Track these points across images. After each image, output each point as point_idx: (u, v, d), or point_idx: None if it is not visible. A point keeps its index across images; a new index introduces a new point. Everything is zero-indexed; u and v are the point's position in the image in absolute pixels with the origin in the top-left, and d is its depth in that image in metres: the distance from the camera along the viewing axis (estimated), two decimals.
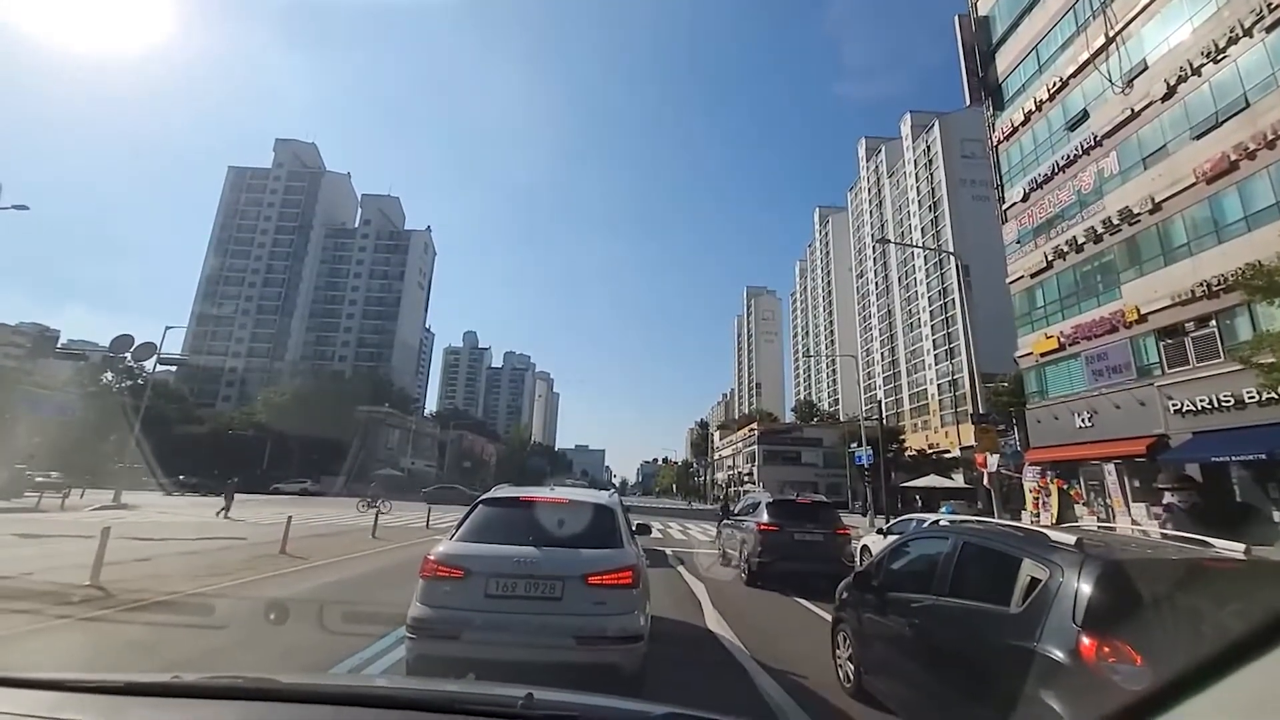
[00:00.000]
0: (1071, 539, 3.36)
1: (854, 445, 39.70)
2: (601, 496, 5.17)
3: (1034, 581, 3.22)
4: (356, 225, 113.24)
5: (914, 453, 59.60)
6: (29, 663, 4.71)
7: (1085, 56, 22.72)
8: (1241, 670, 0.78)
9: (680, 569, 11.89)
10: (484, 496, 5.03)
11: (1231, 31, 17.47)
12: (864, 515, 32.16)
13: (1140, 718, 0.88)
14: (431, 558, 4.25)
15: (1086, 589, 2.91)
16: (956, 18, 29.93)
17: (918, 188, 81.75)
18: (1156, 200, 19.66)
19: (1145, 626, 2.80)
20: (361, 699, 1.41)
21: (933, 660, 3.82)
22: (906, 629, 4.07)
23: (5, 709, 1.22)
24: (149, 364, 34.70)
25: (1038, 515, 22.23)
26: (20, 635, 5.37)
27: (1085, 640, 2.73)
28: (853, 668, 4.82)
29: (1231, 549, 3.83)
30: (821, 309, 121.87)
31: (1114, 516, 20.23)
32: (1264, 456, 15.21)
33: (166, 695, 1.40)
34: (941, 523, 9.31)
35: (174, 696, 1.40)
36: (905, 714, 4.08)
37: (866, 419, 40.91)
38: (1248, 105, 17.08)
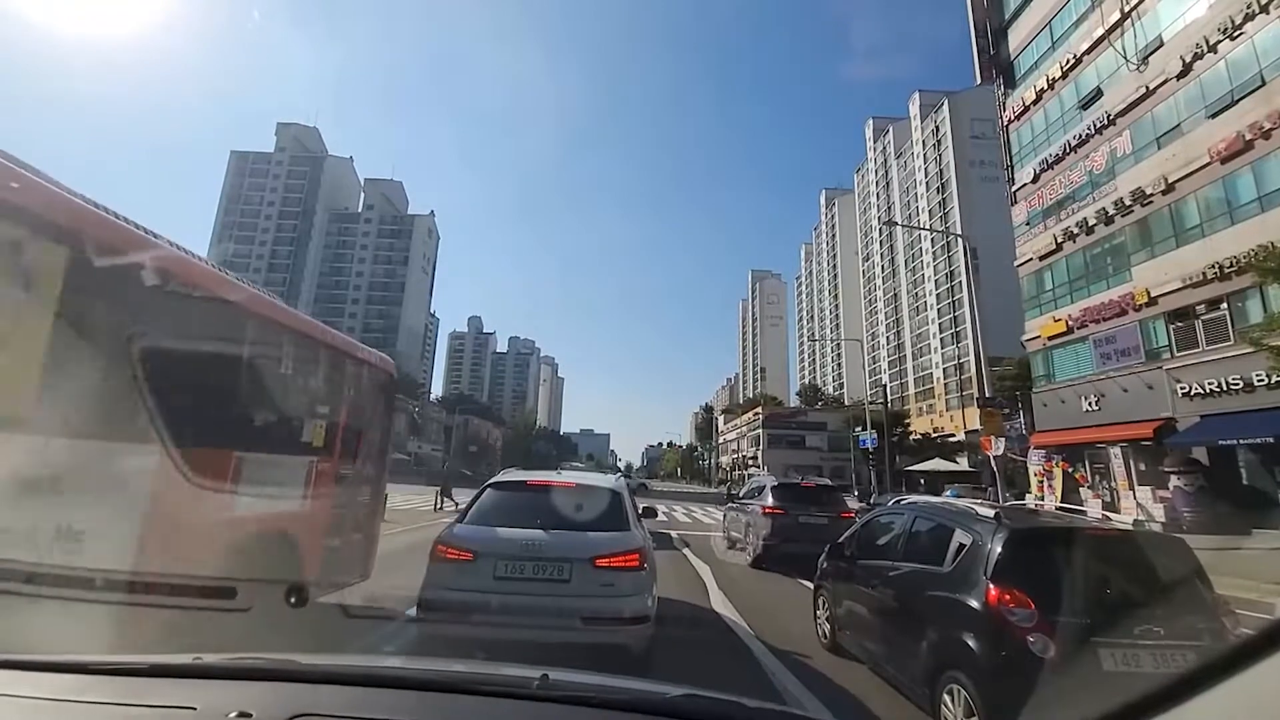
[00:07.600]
0: (992, 512, 4.02)
1: (858, 429, 39.72)
2: (608, 480, 5.23)
3: (961, 546, 3.90)
4: (360, 210, 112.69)
5: (918, 436, 59.57)
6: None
7: (1100, 32, 22.22)
8: (1244, 673, 0.78)
9: (685, 551, 12.02)
10: (492, 480, 5.09)
11: (1248, 7, 17.05)
12: (864, 501, 32.18)
13: (1141, 714, 0.88)
14: (441, 541, 4.30)
15: (996, 549, 3.56)
16: None
17: (926, 169, 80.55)
18: (1170, 180, 19.35)
19: (1040, 579, 3.43)
20: (381, 679, 1.43)
21: (887, 614, 4.48)
22: (869, 590, 4.77)
23: (29, 693, 1.22)
24: None
25: (1042, 498, 22.22)
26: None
27: (991, 590, 3.37)
28: (829, 626, 5.53)
29: (1120, 521, 4.57)
30: (827, 292, 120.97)
31: (1119, 500, 20.24)
32: (1272, 439, 15.18)
33: (190, 676, 1.42)
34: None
35: (197, 678, 1.42)
36: (867, 660, 4.76)
37: (871, 403, 40.85)
38: (1263, 83, 16.73)
